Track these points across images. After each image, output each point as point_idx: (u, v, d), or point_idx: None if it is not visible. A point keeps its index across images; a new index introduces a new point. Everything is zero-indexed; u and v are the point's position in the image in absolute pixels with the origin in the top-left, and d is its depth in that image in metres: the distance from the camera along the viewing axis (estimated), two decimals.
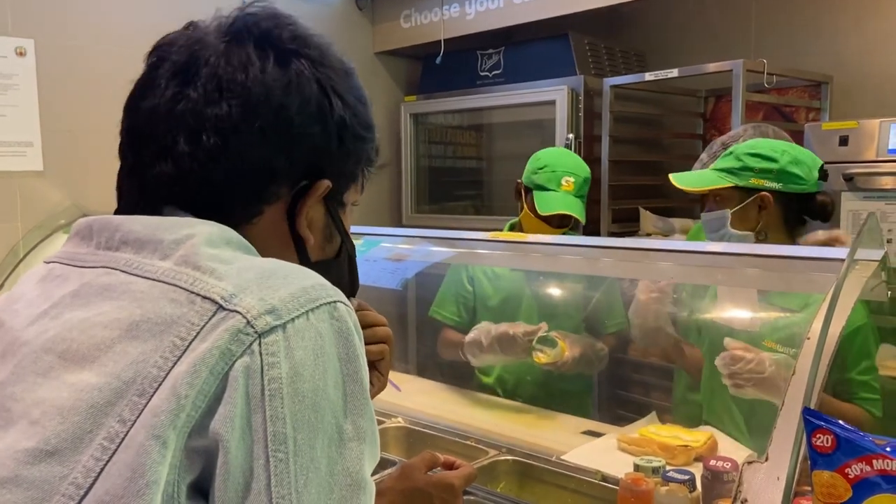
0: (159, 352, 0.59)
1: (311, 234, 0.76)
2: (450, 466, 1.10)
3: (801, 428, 0.84)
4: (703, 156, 2.35)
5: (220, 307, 0.60)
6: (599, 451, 1.68)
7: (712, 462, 1.30)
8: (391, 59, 4.06)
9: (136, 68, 0.76)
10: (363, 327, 0.98)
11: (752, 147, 1.70)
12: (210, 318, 0.59)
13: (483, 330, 2.02)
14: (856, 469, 0.71)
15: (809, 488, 1.17)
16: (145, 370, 0.58)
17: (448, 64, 3.68)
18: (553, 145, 3.27)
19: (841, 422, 0.74)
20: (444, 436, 1.83)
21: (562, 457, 1.63)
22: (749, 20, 3.30)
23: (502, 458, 1.68)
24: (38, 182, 2.86)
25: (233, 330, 0.58)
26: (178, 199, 0.70)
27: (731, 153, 1.73)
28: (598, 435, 1.78)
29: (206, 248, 0.65)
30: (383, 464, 1.65)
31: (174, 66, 0.71)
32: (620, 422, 1.87)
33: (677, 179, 1.79)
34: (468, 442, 1.77)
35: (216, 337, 0.58)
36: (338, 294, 0.64)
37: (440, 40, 3.61)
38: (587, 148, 3.22)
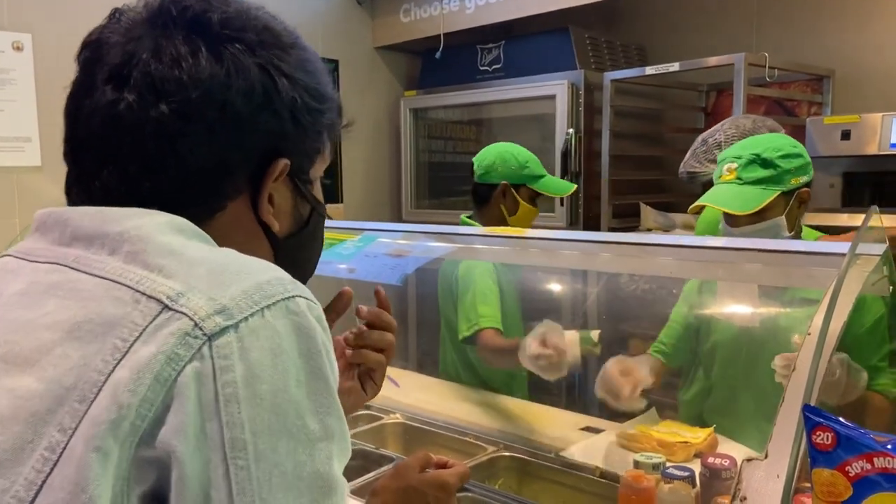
0: (101, 355, 0.56)
1: (277, 219, 0.72)
2: (443, 466, 1.08)
3: (801, 425, 0.83)
4: (688, 153, 2.35)
5: (166, 307, 0.56)
6: (598, 447, 1.67)
7: (710, 459, 1.29)
8: (391, 53, 4.04)
9: None
10: (375, 327, 0.96)
11: (776, 149, 1.65)
12: (153, 319, 0.56)
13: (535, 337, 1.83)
14: (856, 467, 0.70)
15: (809, 485, 1.16)
16: (86, 375, 0.55)
17: (448, 58, 3.66)
18: (553, 141, 3.27)
19: (841, 419, 0.73)
20: (442, 432, 1.82)
21: (560, 453, 1.62)
22: (751, 13, 3.28)
23: (501, 454, 1.67)
24: (37, 177, 2.85)
25: (179, 333, 0.55)
26: (131, 204, 0.66)
27: (753, 161, 1.64)
28: (597, 431, 1.77)
29: (156, 239, 0.61)
30: (379, 461, 1.64)
31: (109, 68, 0.66)
32: (619, 418, 1.86)
33: (723, 205, 1.64)
34: (467, 438, 1.76)
35: (161, 341, 0.55)
36: (297, 288, 0.61)
37: (440, 35, 3.59)
38: (587, 143, 3.21)
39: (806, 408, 0.74)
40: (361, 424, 1.92)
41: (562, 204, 3.21)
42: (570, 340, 1.78)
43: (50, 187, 2.86)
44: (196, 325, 0.55)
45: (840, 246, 1.09)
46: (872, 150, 2.40)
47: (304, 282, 0.80)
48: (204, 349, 0.55)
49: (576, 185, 2.37)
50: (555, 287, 2.06)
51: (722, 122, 2.26)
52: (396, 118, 3.93)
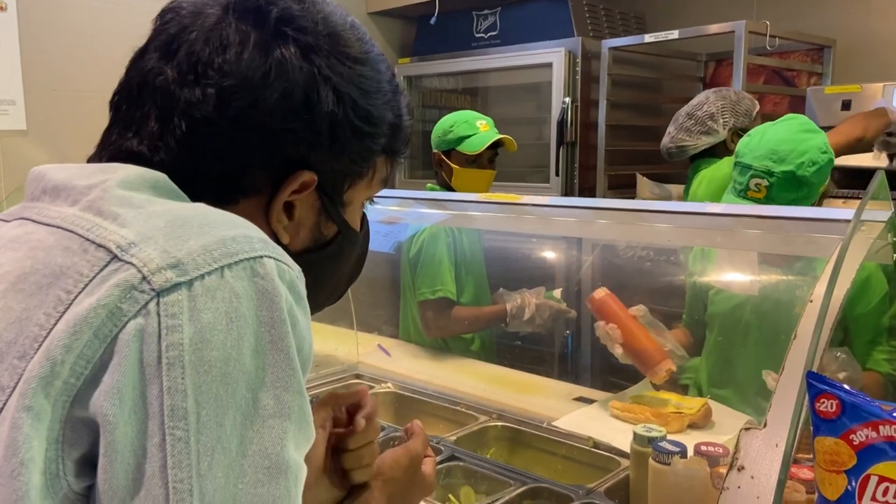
0: (43, 308, 0.52)
1: (294, 232, 0.69)
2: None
3: (802, 393, 0.81)
4: (671, 128, 2.37)
5: (115, 257, 0.52)
6: (591, 417, 1.65)
7: (703, 447, 1.27)
8: (385, 19, 3.96)
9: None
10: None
11: (811, 163, 1.52)
12: (101, 270, 0.52)
13: (522, 300, 2.13)
14: (861, 435, 0.67)
15: (809, 456, 1.14)
16: (27, 329, 0.51)
17: (443, 25, 3.59)
18: (549, 111, 3.22)
19: (846, 386, 0.70)
20: (433, 401, 1.80)
21: (553, 423, 1.61)
22: None
23: (492, 423, 1.65)
24: (22, 141, 2.79)
25: (124, 286, 0.51)
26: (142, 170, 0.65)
27: (787, 180, 1.52)
28: (589, 401, 1.76)
29: (119, 190, 0.58)
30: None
31: (165, 37, 0.66)
32: (613, 388, 1.84)
33: None
34: (458, 407, 1.75)
35: (104, 293, 0.51)
36: (268, 248, 0.56)
37: (435, 0, 3.51)
38: (584, 112, 3.16)
39: (810, 374, 0.72)
40: None
41: (557, 174, 3.17)
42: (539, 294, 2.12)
43: (35, 151, 2.81)
44: (144, 277, 0.51)
45: (843, 212, 1.05)
46: None
47: (317, 308, 0.74)
48: (150, 305, 0.50)
49: (495, 135, 2.27)
50: (548, 255, 2.04)
51: (704, 95, 2.34)
52: None
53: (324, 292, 0.78)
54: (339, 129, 0.67)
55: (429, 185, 2.42)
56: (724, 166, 2.17)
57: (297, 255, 0.68)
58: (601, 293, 1.70)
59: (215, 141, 0.63)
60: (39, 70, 2.79)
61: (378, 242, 2.17)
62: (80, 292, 0.52)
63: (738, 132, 2.24)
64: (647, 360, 1.65)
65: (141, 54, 0.67)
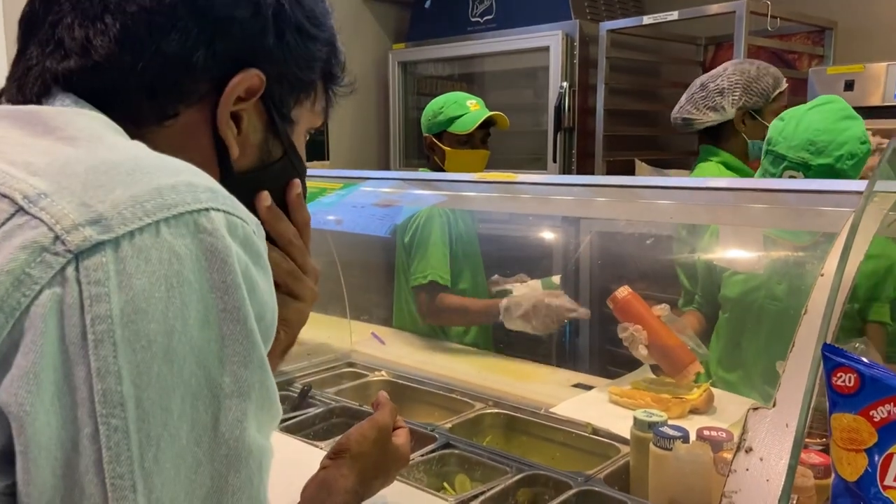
0: None
1: (237, 143, 0.61)
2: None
3: (814, 370, 0.76)
4: (683, 97, 2.23)
5: (21, 209, 0.44)
6: (590, 403, 1.61)
7: (706, 432, 1.22)
8: (379, 4, 3.91)
9: None
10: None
11: (850, 155, 1.46)
12: (2, 224, 0.43)
13: (521, 297, 1.99)
14: (882, 411, 0.63)
15: (817, 440, 1.10)
16: None
17: (438, 9, 3.54)
18: (547, 96, 3.18)
19: (864, 359, 0.65)
20: (428, 389, 1.76)
21: (551, 409, 1.56)
22: None
23: (489, 411, 1.61)
24: None
25: (33, 248, 0.42)
26: (66, 93, 0.57)
27: (825, 173, 1.46)
28: (588, 388, 1.72)
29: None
30: (360, 416, 1.58)
31: None
32: (612, 375, 1.80)
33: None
34: (453, 395, 1.70)
35: (7, 256, 0.42)
36: (217, 199, 0.48)
37: None
38: (582, 97, 3.11)
39: (826, 347, 0.67)
40: (346, 382, 1.86)
41: (554, 161, 3.12)
42: (535, 287, 2.00)
43: None
44: (57, 237, 0.43)
45: (855, 184, 1.01)
46: (876, 101, 2.33)
47: None
48: (68, 270, 0.42)
49: (486, 113, 2.19)
50: (545, 236, 1.99)
51: (724, 66, 2.11)
52: (385, 72, 3.81)
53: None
54: (284, 24, 0.62)
55: (421, 170, 2.36)
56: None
57: (242, 175, 0.64)
58: (624, 292, 1.63)
59: (154, 34, 0.56)
60: None
61: (373, 226, 2.12)
62: None
63: (749, 113, 2.05)
64: (676, 363, 1.60)
65: None
